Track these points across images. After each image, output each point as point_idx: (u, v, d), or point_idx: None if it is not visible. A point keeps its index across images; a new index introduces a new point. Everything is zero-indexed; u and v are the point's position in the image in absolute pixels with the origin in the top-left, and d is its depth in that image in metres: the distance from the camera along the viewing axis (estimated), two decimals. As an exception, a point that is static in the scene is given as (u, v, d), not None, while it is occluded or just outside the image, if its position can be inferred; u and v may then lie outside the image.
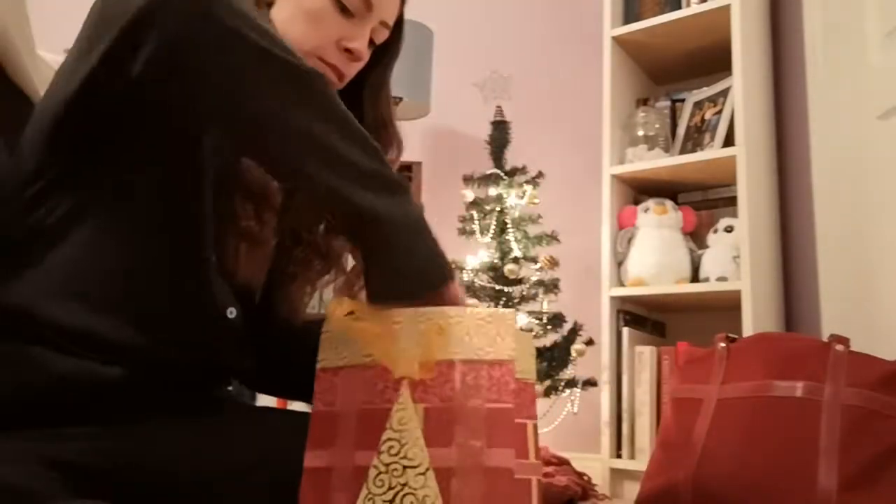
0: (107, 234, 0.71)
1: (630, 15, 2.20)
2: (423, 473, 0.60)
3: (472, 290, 2.11)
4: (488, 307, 0.77)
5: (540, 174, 2.14)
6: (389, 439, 0.61)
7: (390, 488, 0.60)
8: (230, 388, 0.87)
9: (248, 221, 0.80)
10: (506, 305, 2.08)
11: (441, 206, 1.89)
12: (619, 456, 1.93)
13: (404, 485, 0.59)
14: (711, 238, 1.98)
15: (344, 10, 0.83)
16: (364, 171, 0.66)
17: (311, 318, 0.92)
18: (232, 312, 0.79)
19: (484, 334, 0.64)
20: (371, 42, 0.87)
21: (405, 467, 0.60)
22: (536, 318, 2.06)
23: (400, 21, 0.92)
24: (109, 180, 0.72)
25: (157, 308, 0.72)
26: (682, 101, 2.19)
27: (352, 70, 0.86)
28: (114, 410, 0.67)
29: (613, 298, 2.03)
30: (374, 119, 0.92)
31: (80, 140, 0.71)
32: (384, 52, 0.92)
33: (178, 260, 0.74)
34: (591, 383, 1.99)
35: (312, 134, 0.65)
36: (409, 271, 0.67)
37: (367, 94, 0.92)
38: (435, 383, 0.63)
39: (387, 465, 0.60)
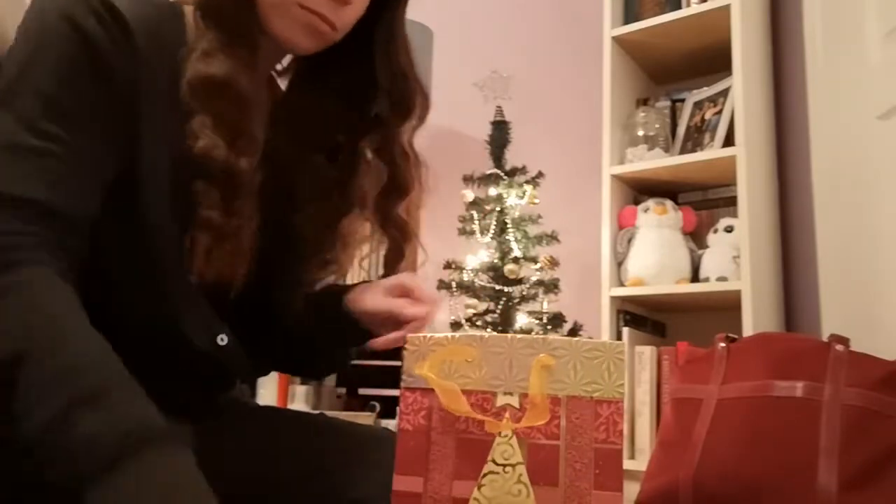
0: (84, 268, 0.65)
1: (630, 15, 2.20)
2: None
3: (472, 290, 2.11)
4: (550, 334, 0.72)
5: (540, 174, 2.14)
6: (491, 472, 0.58)
7: None
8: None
9: (211, 211, 0.69)
10: (506, 305, 2.08)
11: (441, 206, 1.88)
12: (618, 456, 1.93)
13: None
14: (711, 238, 1.98)
15: None
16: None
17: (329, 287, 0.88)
18: (223, 339, 0.75)
19: (591, 369, 0.60)
20: None
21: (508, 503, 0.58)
22: (536, 318, 2.06)
23: None
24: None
25: (141, 349, 0.65)
26: (682, 101, 2.19)
27: (344, 16, 0.76)
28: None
29: (613, 298, 2.02)
30: (390, 74, 0.84)
31: None
32: None
33: (152, 296, 0.69)
34: (591, 383, 1.99)
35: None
36: None
37: (378, 49, 0.84)
38: None
39: (489, 498, 0.58)
